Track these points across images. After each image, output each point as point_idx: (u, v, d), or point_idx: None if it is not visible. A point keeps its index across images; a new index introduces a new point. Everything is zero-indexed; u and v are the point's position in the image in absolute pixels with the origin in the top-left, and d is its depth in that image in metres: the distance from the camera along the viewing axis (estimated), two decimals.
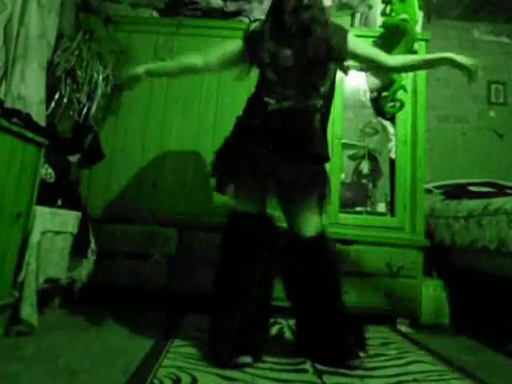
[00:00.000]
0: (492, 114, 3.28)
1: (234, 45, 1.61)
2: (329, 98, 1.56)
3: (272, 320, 1.93)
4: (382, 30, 2.33)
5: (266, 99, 1.45)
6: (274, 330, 1.80)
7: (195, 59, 1.64)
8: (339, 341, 1.40)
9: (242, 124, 1.54)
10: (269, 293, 1.47)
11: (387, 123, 2.44)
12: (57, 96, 2.09)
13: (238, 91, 2.37)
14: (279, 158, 1.41)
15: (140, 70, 1.60)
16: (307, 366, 1.38)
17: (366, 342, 1.53)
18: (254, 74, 1.64)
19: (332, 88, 1.58)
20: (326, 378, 1.28)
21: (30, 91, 1.82)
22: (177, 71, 1.73)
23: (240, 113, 2.34)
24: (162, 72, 1.77)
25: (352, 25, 2.55)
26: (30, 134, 1.49)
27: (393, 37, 2.29)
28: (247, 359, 1.31)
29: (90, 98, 2.13)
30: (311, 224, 1.47)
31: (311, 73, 1.48)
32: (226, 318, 1.38)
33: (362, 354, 1.45)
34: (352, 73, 2.47)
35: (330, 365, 1.37)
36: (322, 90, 1.49)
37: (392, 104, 2.38)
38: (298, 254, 1.46)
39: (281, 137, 1.43)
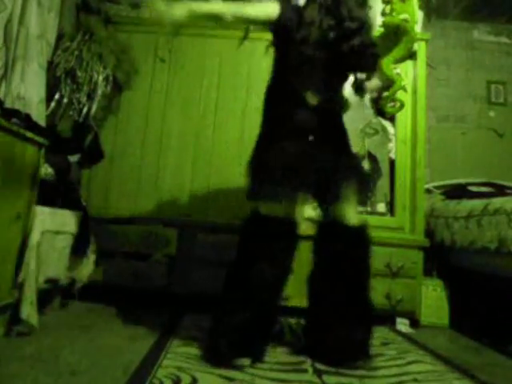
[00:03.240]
0: (492, 113, 3.28)
1: (268, 10, 1.46)
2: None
3: None
4: (381, 29, 2.33)
5: (303, 93, 1.43)
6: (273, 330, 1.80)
7: (225, 14, 1.45)
8: (347, 339, 1.39)
9: (273, 120, 1.50)
10: (277, 296, 1.46)
11: (387, 123, 2.44)
12: (57, 96, 2.09)
13: (238, 91, 2.37)
14: (318, 150, 1.42)
15: (180, 11, 1.39)
16: (307, 365, 1.38)
17: (371, 343, 1.51)
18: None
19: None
20: (325, 377, 1.28)
21: (29, 91, 1.82)
22: (205, 17, 1.52)
23: (239, 112, 2.36)
24: (194, 15, 1.47)
25: None
26: (29, 134, 1.49)
27: (393, 37, 2.29)
28: (245, 362, 1.30)
29: (90, 97, 2.13)
30: (354, 214, 1.49)
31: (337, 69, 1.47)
32: (230, 317, 1.37)
33: (364, 355, 1.43)
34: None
35: (331, 364, 1.36)
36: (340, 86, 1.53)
37: (392, 104, 2.38)
38: (342, 242, 1.45)
39: (317, 131, 1.44)
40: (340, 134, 1.54)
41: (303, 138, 1.43)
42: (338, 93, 1.52)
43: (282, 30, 1.46)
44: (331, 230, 1.50)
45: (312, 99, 1.43)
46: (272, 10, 1.45)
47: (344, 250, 1.44)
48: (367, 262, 1.48)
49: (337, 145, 1.49)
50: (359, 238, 1.48)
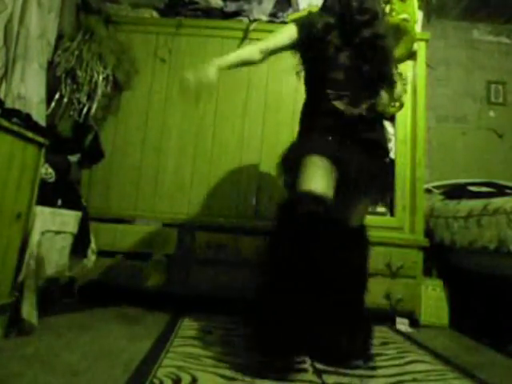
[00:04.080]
0: (491, 113, 3.28)
1: (288, 32, 1.50)
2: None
3: None
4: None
5: (335, 103, 1.42)
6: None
7: (254, 53, 1.53)
8: (347, 339, 1.38)
9: (307, 128, 1.51)
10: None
11: (387, 123, 2.44)
12: (57, 96, 2.09)
13: (238, 91, 2.37)
14: (348, 151, 1.41)
15: (212, 73, 1.40)
16: (307, 365, 1.38)
17: (371, 343, 1.50)
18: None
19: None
20: (325, 377, 1.28)
21: (30, 91, 1.82)
22: (236, 66, 1.59)
23: (239, 112, 2.37)
24: (226, 68, 1.54)
25: None
26: (30, 134, 1.49)
27: (393, 37, 2.29)
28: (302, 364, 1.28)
29: (90, 97, 2.13)
30: (361, 216, 1.52)
31: (369, 77, 1.44)
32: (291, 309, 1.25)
33: (364, 355, 1.43)
34: None
35: (331, 364, 1.36)
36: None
37: (392, 104, 2.38)
38: (340, 241, 1.40)
39: (350, 136, 1.43)
40: (375, 142, 1.49)
41: (332, 139, 1.42)
42: (374, 97, 1.47)
43: (308, 42, 1.47)
44: (332, 227, 1.41)
45: (343, 107, 1.41)
46: (291, 30, 1.50)
47: (342, 251, 1.41)
48: (365, 264, 1.49)
49: (369, 151, 1.45)
50: (358, 239, 1.49)
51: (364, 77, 1.43)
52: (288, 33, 1.50)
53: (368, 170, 1.42)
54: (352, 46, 1.44)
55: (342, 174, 1.38)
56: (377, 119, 1.54)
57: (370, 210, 2.36)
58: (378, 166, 1.50)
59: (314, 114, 1.49)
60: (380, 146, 1.53)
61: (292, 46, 1.52)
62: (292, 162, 1.43)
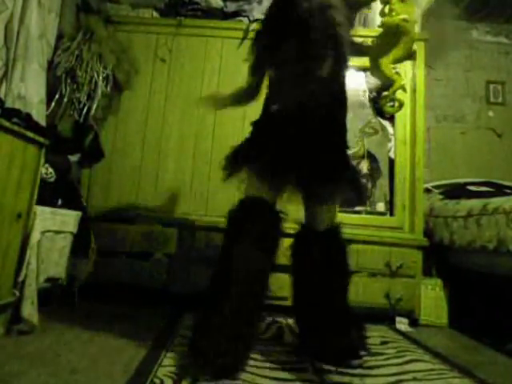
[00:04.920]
0: (491, 113, 3.29)
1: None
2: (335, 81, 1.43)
3: (271, 319, 1.95)
4: (381, 29, 2.34)
5: (276, 101, 1.40)
6: (273, 330, 1.81)
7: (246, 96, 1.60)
8: (342, 339, 1.38)
9: (258, 124, 1.49)
10: (262, 290, 1.38)
11: (386, 123, 2.45)
12: (57, 96, 2.09)
13: None
14: (302, 151, 1.35)
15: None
16: (307, 364, 1.38)
17: (367, 340, 1.51)
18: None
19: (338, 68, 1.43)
20: (325, 376, 1.28)
21: (30, 91, 1.82)
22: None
23: (239, 112, 2.37)
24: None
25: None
26: (30, 134, 1.49)
27: (392, 37, 2.29)
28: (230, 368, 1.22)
29: (90, 97, 2.14)
30: (327, 217, 1.47)
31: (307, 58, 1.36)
32: (211, 316, 1.28)
33: (363, 353, 1.43)
34: (351, 73, 2.49)
35: (331, 363, 1.36)
36: (319, 73, 1.35)
37: (391, 104, 2.38)
38: (309, 247, 1.45)
39: (300, 132, 1.36)
40: (333, 132, 1.42)
41: (283, 138, 1.37)
42: (324, 84, 1.37)
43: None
44: (302, 235, 1.51)
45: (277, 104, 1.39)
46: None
47: (314, 256, 1.43)
48: (335, 266, 1.44)
49: (327, 144, 1.38)
50: (326, 242, 1.45)
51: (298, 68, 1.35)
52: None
53: (321, 168, 1.35)
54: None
55: (292, 179, 1.37)
56: (328, 108, 1.41)
57: (368, 209, 2.38)
58: (334, 162, 1.39)
59: (265, 112, 1.47)
60: (334, 140, 1.43)
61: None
62: (235, 167, 1.44)
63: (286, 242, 2.08)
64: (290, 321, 1.96)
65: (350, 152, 1.55)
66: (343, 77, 1.49)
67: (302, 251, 1.50)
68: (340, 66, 1.42)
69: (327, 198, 1.44)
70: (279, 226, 1.42)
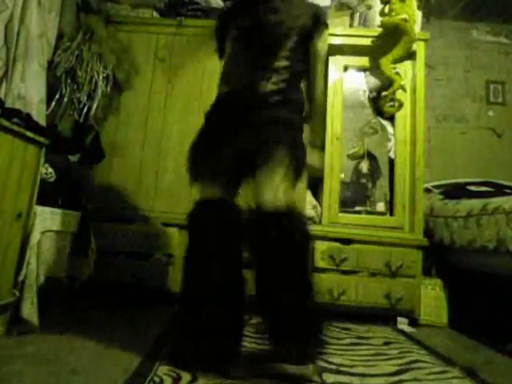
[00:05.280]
0: (491, 113, 3.29)
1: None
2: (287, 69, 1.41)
3: None
4: (380, 29, 2.34)
5: (221, 88, 1.49)
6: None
7: None
8: (287, 336, 1.23)
9: (206, 116, 1.54)
10: (239, 289, 1.34)
11: (386, 123, 2.45)
12: (57, 96, 2.09)
13: None
14: (239, 130, 1.37)
15: None
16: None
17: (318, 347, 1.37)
18: None
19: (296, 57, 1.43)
20: (325, 376, 1.28)
21: (30, 91, 1.82)
22: None
23: None
24: None
25: (351, 25, 2.57)
26: (30, 134, 1.49)
27: (392, 37, 2.30)
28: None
29: (90, 97, 2.14)
30: (273, 195, 1.26)
31: (264, 52, 1.40)
32: (193, 316, 1.29)
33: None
34: (351, 73, 2.49)
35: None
36: (276, 64, 1.38)
37: (391, 104, 2.39)
38: (257, 233, 1.28)
39: (239, 118, 1.39)
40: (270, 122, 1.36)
41: (220, 128, 1.43)
42: (268, 70, 1.39)
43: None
44: (250, 219, 1.35)
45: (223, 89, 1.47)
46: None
47: (261, 242, 1.27)
48: (287, 255, 1.24)
49: (264, 131, 1.34)
50: (275, 226, 1.23)
51: (260, 44, 1.39)
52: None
53: (262, 140, 1.32)
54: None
55: (240, 156, 1.36)
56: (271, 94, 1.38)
57: (368, 208, 2.38)
58: (275, 134, 1.33)
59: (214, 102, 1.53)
60: (280, 121, 1.36)
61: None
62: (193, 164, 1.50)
63: None
64: None
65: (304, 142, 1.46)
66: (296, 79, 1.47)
67: (249, 239, 1.34)
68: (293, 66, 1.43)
69: (263, 160, 1.30)
70: (234, 223, 1.37)
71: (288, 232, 1.24)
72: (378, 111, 2.47)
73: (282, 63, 1.40)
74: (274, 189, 1.27)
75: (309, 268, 1.37)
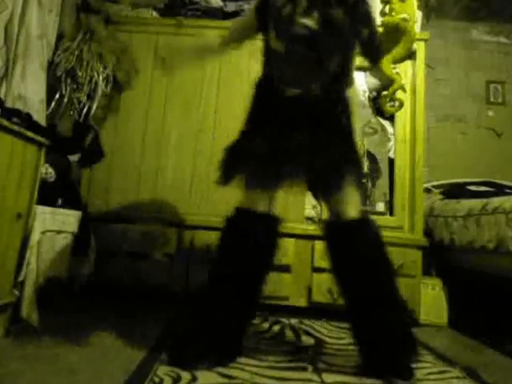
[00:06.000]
0: (491, 113, 3.29)
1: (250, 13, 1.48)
2: (343, 76, 1.40)
3: (274, 319, 1.95)
4: (381, 29, 2.34)
5: (276, 84, 1.33)
6: (275, 329, 1.81)
7: (225, 44, 1.55)
8: (384, 349, 1.27)
9: (250, 115, 1.43)
10: (253, 295, 1.39)
11: (386, 123, 2.45)
12: (57, 96, 2.09)
13: (238, 91, 2.37)
14: (303, 141, 1.30)
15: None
16: (306, 364, 1.38)
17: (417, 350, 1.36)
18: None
19: (345, 63, 1.41)
20: (324, 376, 1.28)
21: (30, 91, 1.83)
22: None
23: (239, 112, 2.36)
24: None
25: None
26: (30, 134, 1.49)
27: (392, 36, 2.30)
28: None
29: (90, 97, 2.14)
30: (353, 207, 1.35)
31: (317, 47, 1.29)
32: (199, 318, 1.32)
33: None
34: None
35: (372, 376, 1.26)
36: (331, 66, 1.32)
37: (391, 103, 2.39)
38: (340, 241, 1.35)
39: (304, 120, 1.32)
40: (336, 128, 1.36)
41: (279, 131, 1.33)
42: (331, 80, 1.33)
43: (265, 10, 1.35)
44: (330, 229, 1.40)
45: (287, 92, 1.32)
46: (252, 9, 1.47)
47: (346, 250, 1.34)
48: (372, 260, 1.34)
49: (331, 138, 1.33)
50: (359, 234, 1.34)
51: (323, 46, 1.27)
52: (248, 13, 1.51)
53: (325, 160, 1.29)
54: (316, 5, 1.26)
55: (306, 169, 1.32)
56: (337, 100, 1.37)
57: (368, 208, 2.38)
58: (339, 152, 1.33)
59: (256, 99, 1.42)
60: (340, 131, 1.37)
61: (254, 21, 1.43)
62: (231, 165, 1.42)
63: (289, 243, 2.10)
64: (293, 321, 1.96)
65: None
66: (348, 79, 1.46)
67: (331, 246, 1.38)
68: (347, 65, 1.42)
69: (339, 184, 1.33)
70: (272, 240, 1.40)
71: (372, 235, 1.38)
72: (378, 111, 2.46)
73: (340, 68, 1.36)
74: (353, 201, 1.37)
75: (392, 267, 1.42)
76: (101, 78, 2.16)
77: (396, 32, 2.27)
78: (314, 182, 1.41)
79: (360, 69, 2.50)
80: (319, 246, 2.14)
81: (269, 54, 1.38)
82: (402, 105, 2.35)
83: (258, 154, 1.32)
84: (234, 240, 1.38)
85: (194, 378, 1.18)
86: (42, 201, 1.61)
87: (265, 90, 1.40)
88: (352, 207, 1.35)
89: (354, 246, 1.33)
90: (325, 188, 1.39)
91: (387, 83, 2.39)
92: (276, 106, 1.35)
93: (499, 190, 2.46)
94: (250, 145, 1.35)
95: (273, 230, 1.41)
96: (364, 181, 1.40)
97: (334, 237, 1.40)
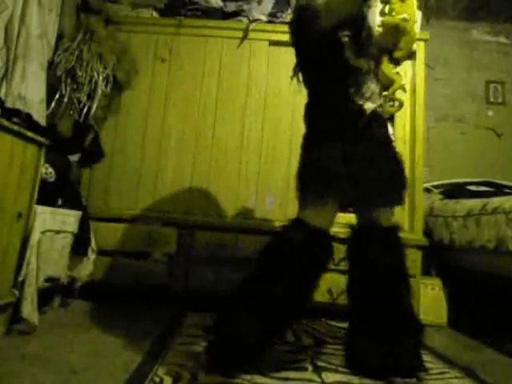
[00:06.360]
0: (490, 113, 3.29)
1: None
2: None
3: None
4: (380, 29, 2.34)
5: (355, 99, 1.43)
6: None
7: None
8: (397, 350, 1.27)
9: (316, 132, 1.46)
10: (297, 311, 1.38)
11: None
12: (57, 96, 2.09)
13: (238, 91, 2.38)
14: (353, 157, 1.35)
15: None
16: (307, 363, 1.38)
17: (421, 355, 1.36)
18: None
19: None
20: (324, 375, 1.29)
21: (30, 91, 1.83)
22: None
23: (239, 112, 2.37)
24: None
25: None
26: (30, 134, 1.49)
27: (392, 36, 2.30)
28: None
29: (90, 97, 2.14)
30: (387, 217, 1.42)
31: None
32: (247, 323, 1.25)
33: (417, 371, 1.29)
34: None
35: (379, 377, 1.26)
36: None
37: (391, 104, 2.38)
38: (372, 245, 1.38)
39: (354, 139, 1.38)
40: (380, 140, 1.44)
41: (338, 145, 1.37)
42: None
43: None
44: (365, 234, 1.43)
45: (363, 103, 1.44)
46: None
47: (378, 255, 1.36)
48: (404, 267, 1.41)
49: (374, 151, 1.39)
50: (392, 241, 1.41)
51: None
52: None
53: (380, 170, 1.35)
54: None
55: (353, 184, 1.34)
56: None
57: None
58: (389, 162, 1.41)
59: (323, 118, 1.45)
60: (387, 140, 1.48)
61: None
62: (301, 186, 1.42)
63: None
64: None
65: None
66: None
67: (360, 250, 1.41)
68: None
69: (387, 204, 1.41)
70: (330, 254, 1.40)
71: (400, 243, 1.43)
72: None
73: None
74: (387, 214, 1.43)
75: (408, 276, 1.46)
76: (101, 77, 2.16)
77: (396, 32, 2.27)
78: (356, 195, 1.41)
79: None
80: None
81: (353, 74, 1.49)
82: (401, 105, 2.34)
83: (332, 170, 1.34)
84: (289, 251, 1.33)
85: (195, 378, 1.18)
86: (42, 201, 1.62)
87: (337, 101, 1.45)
88: (384, 218, 1.41)
89: (382, 253, 1.36)
90: (363, 204, 1.44)
91: (387, 83, 2.39)
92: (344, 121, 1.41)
93: (499, 190, 2.46)
94: (324, 160, 1.37)
95: (329, 248, 1.40)
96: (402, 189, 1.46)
97: (362, 242, 1.42)
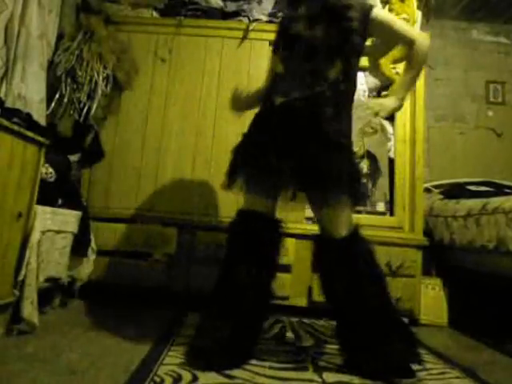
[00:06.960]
0: (490, 113, 3.30)
1: None
2: (344, 83, 1.41)
3: (274, 319, 1.95)
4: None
5: (272, 96, 1.40)
6: (275, 329, 1.81)
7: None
8: (383, 351, 1.27)
9: (253, 120, 1.49)
10: (265, 298, 1.43)
11: (386, 123, 2.45)
12: (57, 96, 2.09)
13: None
14: (292, 149, 1.32)
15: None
16: (307, 364, 1.38)
17: (418, 351, 1.37)
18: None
19: (348, 73, 1.42)
20: (325, 375, 1.28)
21: (30, 91, 1.83)
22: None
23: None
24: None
25: None
26: (30, 134, 1.49)
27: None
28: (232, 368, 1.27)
29: (90, 97, 2.14)
30: (341, 222, 1.36)
31: (316, 58, 1.38)
32: (219, 320, 1.32)
33: (415, 367, 1.30)
34: None
35: (375, 379, 1.26)
36: (331, 76, 1.37)
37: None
38: (330, 257, 1.38)
39: (291, 129, 1.34)
40: (323, 126, 1.34)
41: (272, 137, 1.35)
42: (323, 79, 1.36)
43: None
44: (320, 245, 1.44)
45: (278, 99, 1.38)
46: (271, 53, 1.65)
47: (332, 265, 1.37)
48: (362, 272, 1.34)
49: (314, 140, 1.32)
50: (348, 252, 1.36)
51: (302, 65, 1.39)
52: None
53: (321, 168, 1.29)
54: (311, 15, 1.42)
55: (296, 178, 1.33)
56: (331, 104, 1.37)
57: (368, 208, 2.38)
58: (334, 160, 1.31)
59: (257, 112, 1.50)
60: (335, 137, 1.36)
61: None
62: (234, 169, 1.45)
63: (289, 243, 2.10)
64: (293, 320, 1.96)
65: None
66: (350, 83, 1.48)
67: (324, 263, 1.42)
68: (348, 72, 1.43)
69: (327, 201, 1.34)
70: (275, 239, 1.44)
71: (360, 251, 1.38)
72: None
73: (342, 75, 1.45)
74: (342, 219, 1.38)
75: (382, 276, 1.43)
76: (101, 77, 2.16)
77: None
78: (308, 196, 1.44)
79: (360, 69, 2.50)
80: None
81: (273, 78, 1.49)
82: (401, 105, 2.35)
83: (256, 162, 1.36)
84: (240, 241, 1.41)
85: (195, 378, 1.18)
86: (42, 201, 1.61)
87: (263, 103, 1.50)
88: (341, 225, 1.37)
89: (341, 266, 1.36)
90: (314, 204, 1.45)
91: (387, 83, 2.39)
92: (269, 115, 1.42)
93: (499, 190, 2.46)
94: (250, 152, 1.40)
95: (275, 229, 1.45)
96: (364, 192, 1.43)
97: (322, 254, 1.44)
